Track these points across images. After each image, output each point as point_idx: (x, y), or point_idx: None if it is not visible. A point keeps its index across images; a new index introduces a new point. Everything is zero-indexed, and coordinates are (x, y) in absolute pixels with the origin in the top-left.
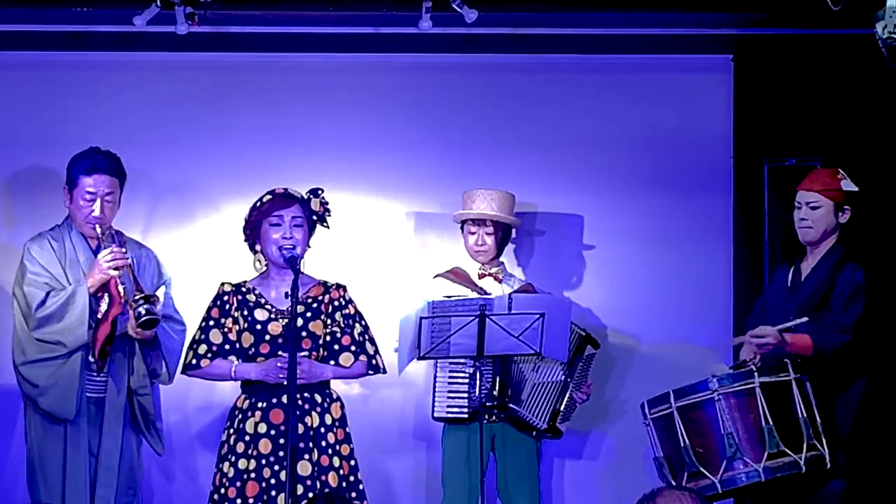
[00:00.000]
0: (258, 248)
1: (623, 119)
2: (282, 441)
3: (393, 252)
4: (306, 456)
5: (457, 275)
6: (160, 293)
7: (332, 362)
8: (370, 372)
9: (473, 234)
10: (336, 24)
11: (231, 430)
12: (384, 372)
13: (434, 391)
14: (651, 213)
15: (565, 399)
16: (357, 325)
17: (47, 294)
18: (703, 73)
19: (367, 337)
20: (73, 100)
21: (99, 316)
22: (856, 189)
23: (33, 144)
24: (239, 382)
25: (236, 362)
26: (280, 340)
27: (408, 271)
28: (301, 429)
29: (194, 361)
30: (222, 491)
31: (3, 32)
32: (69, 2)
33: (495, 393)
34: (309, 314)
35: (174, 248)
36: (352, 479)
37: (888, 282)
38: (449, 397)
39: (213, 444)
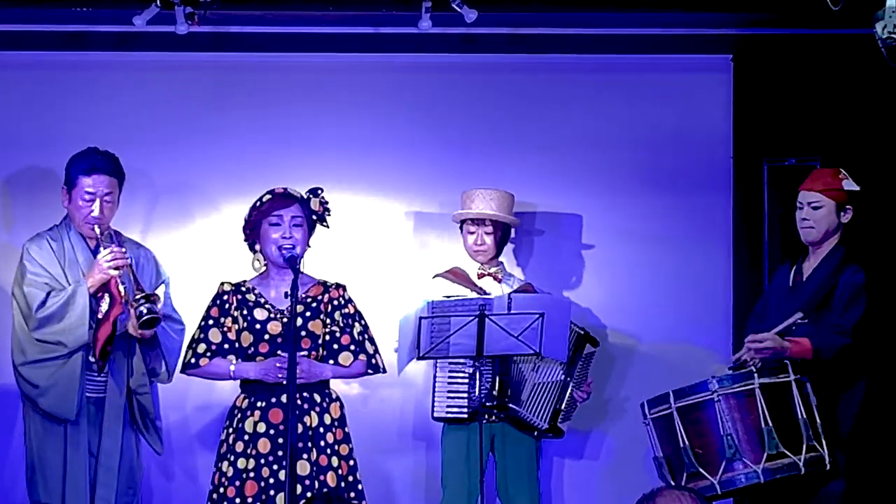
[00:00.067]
0: (258, 247)
1: (623, 119)
2: (280, 440)
3: (392, 252)
4: (305, 456)
5: (456, 275)
6: (160, 292)
7: (331, 362)
8: (370, 371)
9: (472, 233)
10: (336, 24)
11: (230, 430)
12: (384, 371)
13: (434, 391)
14: (650, 212)
15: (566, 398)
16: (356, 324)
17: (48, 294)
18: (703, 72)
19: (366, 336)
20: (72, 100)
21: (99, 316)
22: (857, 188)
23: (33, 144)
24: (238, 382)
25: (235, 362)
26: (279, 340)
27: (407, 271)
28: (300, 428)
29: (193, 360)
30: (221, 490)
31: (3, 32)
32: (69, 2)
33: (495, 393)
34: (308, 314)
35: (173, 248)
36: (350, 478)
37: (888, 282)
38: (448, 397)
39: (212, 443)
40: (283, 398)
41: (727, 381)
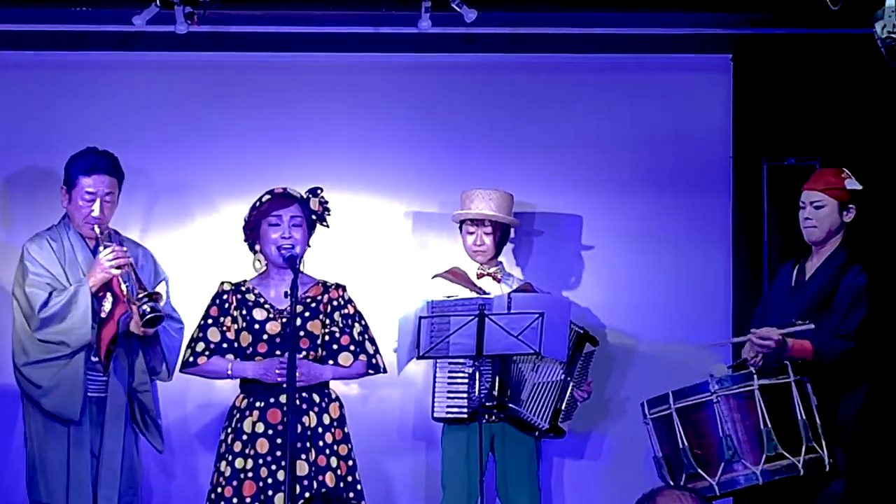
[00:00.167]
0: (258, 248)
1: (623, 119)
2: (279, 441)
3: (392, 252)
4: (303, 456)
5: (455, 275)
6: (160, 290)
7: (330, 362)
8: (370, 371)
9: (472, 233)
10: (336, 24)
11: (229, 430)
12: (384, 371)
13: (433, 391)
14: (650, 212)
15: (566, 398)
16: (356, 324)
17: (50, 294)
18: (703, 72)
19: (366, 336)
20: (72, 100)
21: (103, 315)
22: (860, 188)
23: (33, 144)
24: (238, 382)
25: (234, 361)
26: (278, 340)
27: (407, 271)
28: (298, 429)
29: (191, 359)
30: (219, 490)
31: (3, 32)
32: (69, 2)
33: (495, 393)
34: (307, 314)
35: (172, 247)
36: (350, 479)
37: (886, 283)
38: (448, 397)
39: (212, 442)
40: (282, 398)
41: (727, 381)
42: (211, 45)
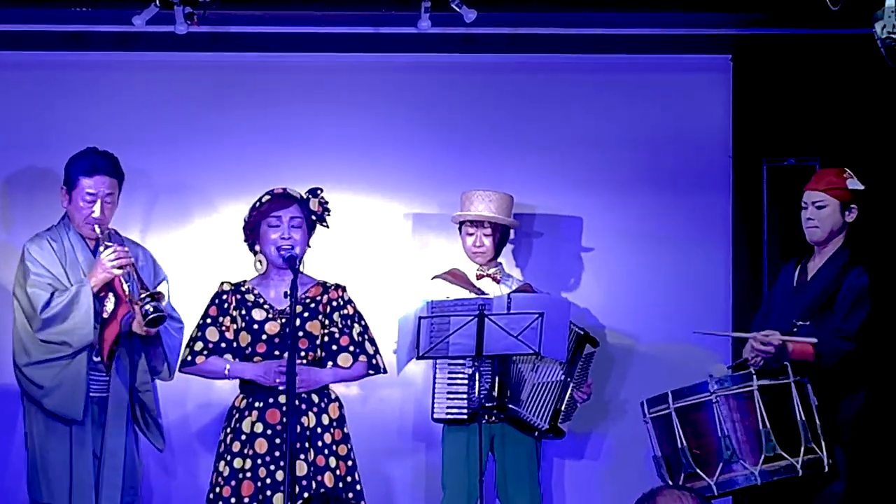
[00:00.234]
0: (258, 248)
1: (623, 119)
2: (278, 441)
3: (392, 252)
4: (302, 456)
5: (455, 276)
6: (162, 290)
7: (330, 363)
8: (371, 372)
9: (471, 235)
10: (336, 24)
11: (228, 430)
12: (385, 371)
13: (433, 392)
14: (650, 213)
15: (566, 399)
16: (356, 325)
17: (52, 295)
18: (703, 73)
19: (366, 337)
20: (72, 100)
21: (105, 315)
22: (862, 187)
23: (32, 144)
24: (238, 382)
25: (232, 361)
26: (276, 340)
27: (406, 272)
28: (297, 429)
29: (189, 358)
30: (217, 490)
31: (3, 32)
32: (69, 2)
33: (494, 393)
34: (306, 314)
35: (172, 248)
36: (349, 479)
37: (888, 284)
38: (448, 398)
39: (212, 442)
40: (281, 399)
41: (726, 382)
42: (211, 45)
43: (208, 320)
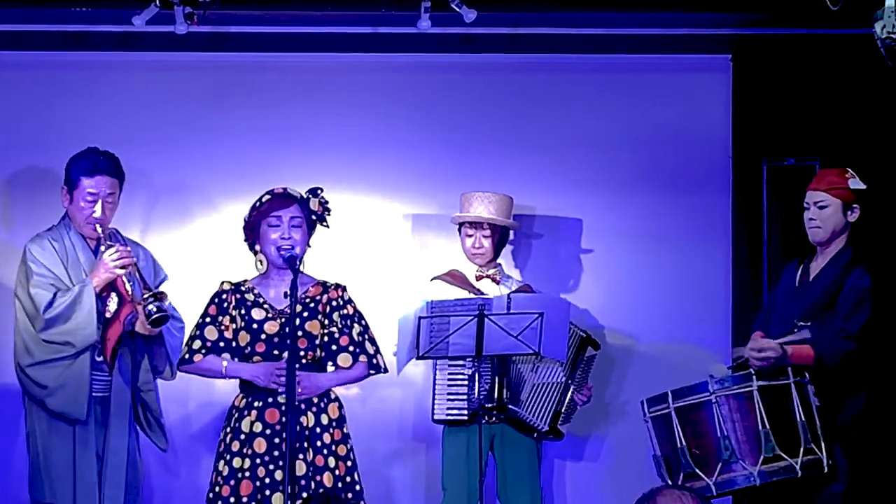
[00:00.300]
0: (258, 248)
1: (623, 119)
2: (277, 440)
3: (391, 252)
4: (301, 456)
5: (454, 277)
6: (164, 289)
7: (329, 363)
8: (371, 372)
9: (470, 236)
10: (336, 24)
11: (228, 429)
12: (385, 371)
13: (433, 393)
14: (650, 213)
15: (566, 401)
16: (356, 325)
17: (54, 295)
18: (702, 73)
19: (366, 337)
20: (72, 100)
21: (108, 315)
22: (863, 187)
23: (33, 144)
24: (238, 382)
25: (230, 360)
26: (276, 340)
27: (406, 272)
28: (297, 428)
29: (187, 356)
30: (217, 489)
31: (3, 32)
32: (69, 2)
33: (494, 394)
34: (306, 314)
35: (172, 248)
36: (348, 479)
37: (890, 284)
38: (448, 399)
39: (213, 442)
40: (281, 398)
41: (726, 382)
42: (211, 45)
43: (207, 319)
